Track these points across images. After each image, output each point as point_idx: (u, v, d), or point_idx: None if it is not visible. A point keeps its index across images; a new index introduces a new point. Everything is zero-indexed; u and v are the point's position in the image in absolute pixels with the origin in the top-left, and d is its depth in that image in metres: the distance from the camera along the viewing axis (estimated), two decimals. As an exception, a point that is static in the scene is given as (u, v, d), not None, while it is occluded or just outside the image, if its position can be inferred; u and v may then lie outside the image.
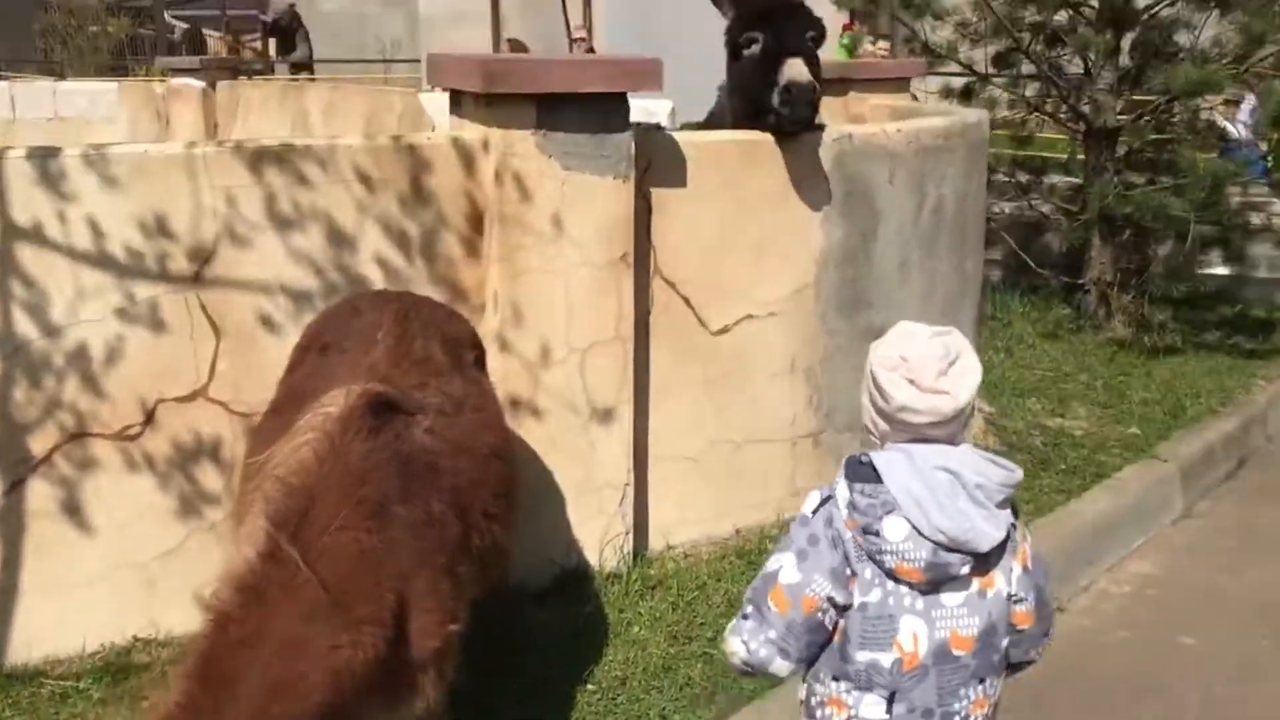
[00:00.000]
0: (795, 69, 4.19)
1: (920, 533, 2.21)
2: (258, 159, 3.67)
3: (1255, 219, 7.80)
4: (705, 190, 4.30)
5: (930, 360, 2.26)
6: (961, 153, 5.23)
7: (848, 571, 2.26)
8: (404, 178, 3.87)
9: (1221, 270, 8.62)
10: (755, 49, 4.39)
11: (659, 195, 4.23)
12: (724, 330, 4.46)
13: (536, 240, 3.95)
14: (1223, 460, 6.08)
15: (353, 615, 2.49)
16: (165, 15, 28.71)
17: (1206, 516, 5.66)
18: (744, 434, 4.60)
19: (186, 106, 9.71)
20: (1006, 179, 8.60)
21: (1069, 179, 8.95)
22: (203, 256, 3.68)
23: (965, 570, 2.26)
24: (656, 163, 4.19)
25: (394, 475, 2.70)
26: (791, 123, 4.27)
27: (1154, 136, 7.89)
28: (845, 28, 12.25)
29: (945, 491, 2.23)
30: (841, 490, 2.30)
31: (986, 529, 2.24)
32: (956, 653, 2.27)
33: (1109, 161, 7.71)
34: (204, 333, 3.74)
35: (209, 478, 3.81)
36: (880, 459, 2.29)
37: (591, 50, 12.84)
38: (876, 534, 2.23)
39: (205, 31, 28.71)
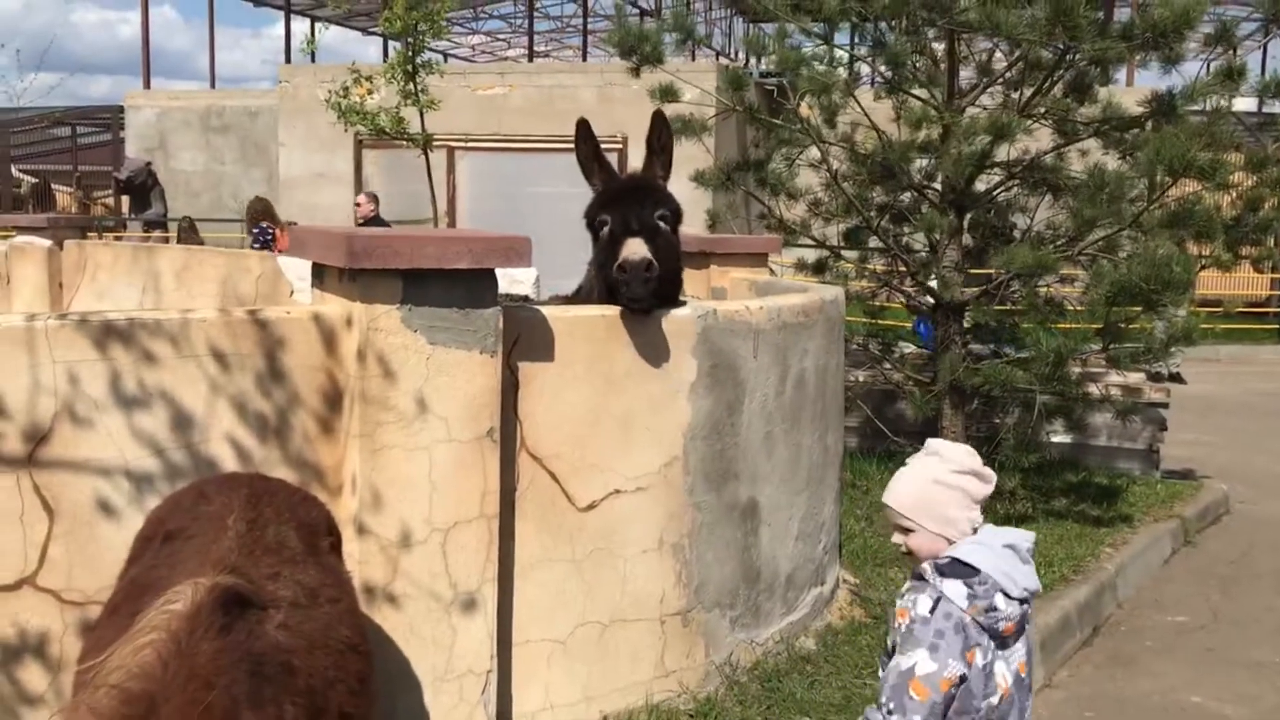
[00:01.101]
0: (629, 248, 4.26)
1: (1010, 596, 2.98)
2: (104, 334, 3.50)
3: (1094, 390, 8.18)
4: (573, 364, 4.28)
5: (973, 455, 3.18)
6: (821, 328, 5.37)
7: (968, 649, 2.96)
8: (260, 355, 3.74)
9: (1065, 438, 8.99)
10: (606, 230, 4.48)
11: (526, 369, 4.19)
12: (591, 506, 4.38)
13: (399, 417, 3.84)
14: (1078, 628, 6.20)
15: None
16: (12, 168, 28.01)
17: (1066, 686, 5.73)
18: (611, 614, 4.48)
19: (30, 265, 9.34)
20: (860, 348, 8.88)
21: (919, 349, 9.30)
22: (38, 436, 3.46)
23: None
24: (525, 337, 4.16)
25: (245, 678, 2.50)
26: (630, 300, 4.32)
27: (998, 308, 8.29)
28: None
29: (1010, 560, 3.05)
30: (951, 587, 3.00)
31: (1036, 578, 3.12)
32: (1022, 676, 3.07)
33: (956, 334, 8.03)
34: (36, 515, 3.48)
35: (33, 676, 3.50)
36: (968, 554, 3.04)
37: (375, 215, 12.86)
38: (994, 609, 2.97)
39: (55, 186, 28.09)
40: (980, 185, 8.21)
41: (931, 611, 2.99)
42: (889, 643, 3.23)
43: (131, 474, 3.58)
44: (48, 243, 9.41)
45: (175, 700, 2.39)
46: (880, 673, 3.28)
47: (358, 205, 13.12)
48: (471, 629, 4.03)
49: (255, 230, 13.49)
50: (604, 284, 4.53)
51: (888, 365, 8.86)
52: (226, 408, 3.70)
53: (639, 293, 4.27)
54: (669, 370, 4.50)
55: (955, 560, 3.04)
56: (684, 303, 4.80)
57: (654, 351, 4.45)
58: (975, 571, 3.00)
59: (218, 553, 2.88)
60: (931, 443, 3.27)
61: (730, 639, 4.88)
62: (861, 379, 9.19)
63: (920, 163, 8.26)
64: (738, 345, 4.73)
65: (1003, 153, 7.83)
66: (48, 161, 31.68)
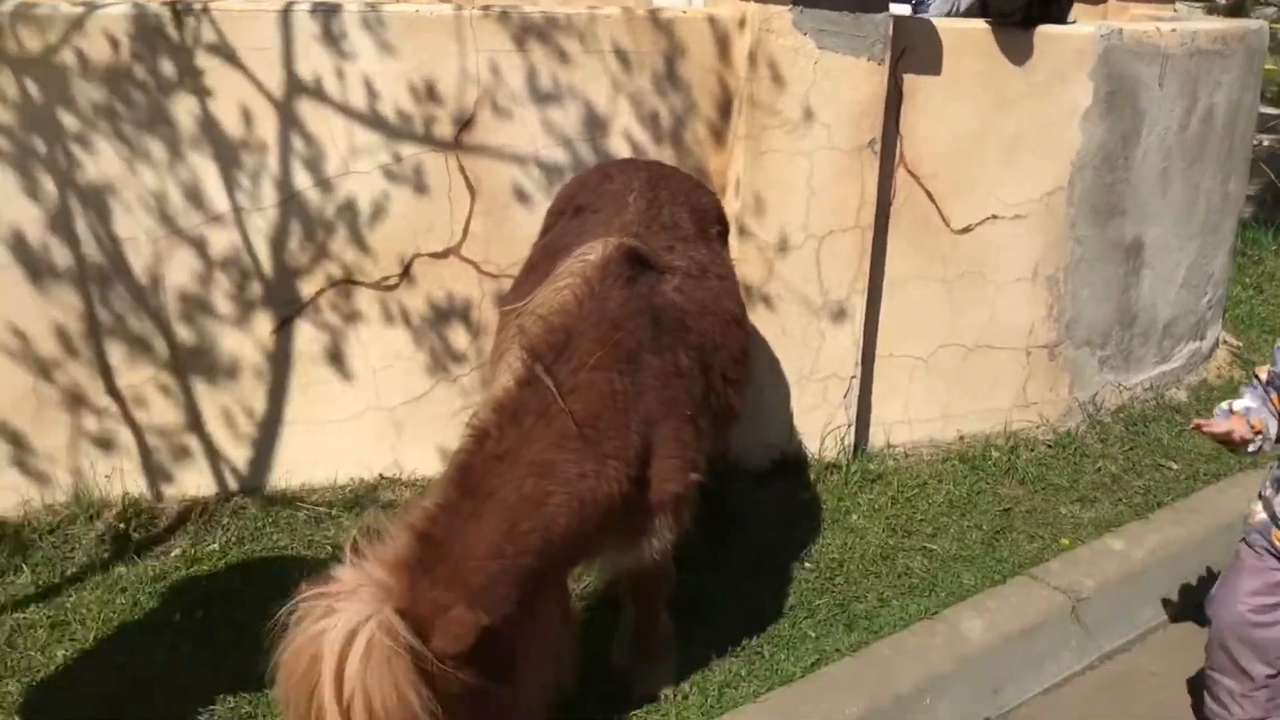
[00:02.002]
0: None
1: None
2: (522, 29, 3.76)
3: None
4: (960, 80, 4.17)
5: None
6: (1239, 60, 4.89)
7: None
8: (658, 54, 3.89)
9: None
10: None
11: (911, 82, 4.12)
12: (966, 229, 4.35)
13: (784, 122, 3.92)
14: None
15: (600, 449, 2.59)
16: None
17: None
18: (977, 339, 4.49)
19: None
20: (1271, 109, 8.00)
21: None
22: (464, 121, 3.82)
23: None
24: (912, 48, 4.08)
25: (646, 325, 2.77)
26: (997, 14, 4.11)
27: None
28: None
29: None
30: None
31: None
32: None
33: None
34: (460, 194, 3.89)
35: (457, 335, 3.99)
36: None
37: None
38: None
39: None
40: None
41: None
42: None
43: (541, 163, 3.90)
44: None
45: (588, 335, 2.69)
46: None
47: None
48: (838, 335, 4.19)
49: None
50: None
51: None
52: (626, 105, 3.92)
53: (1004, 7, 4.08)
54: (1062, 92, 4.29)
55: None
56: (1060, 21, 4.51)
57: (1046, 71, 4.24)
58: None
59: (620, 223, 3.14)
60: None
61: (1097, 379, 4.79)
62: (1265, 143, 8.32)
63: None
64: (1141, 70, 4.41)
65: None
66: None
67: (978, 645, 3.29)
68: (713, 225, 3.49)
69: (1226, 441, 2.99)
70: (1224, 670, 3.03)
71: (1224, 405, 3.06)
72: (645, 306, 2.80)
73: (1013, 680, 3.38)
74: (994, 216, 4.35)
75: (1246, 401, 3.02)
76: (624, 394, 2.66)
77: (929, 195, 4.27)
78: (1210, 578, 3.85)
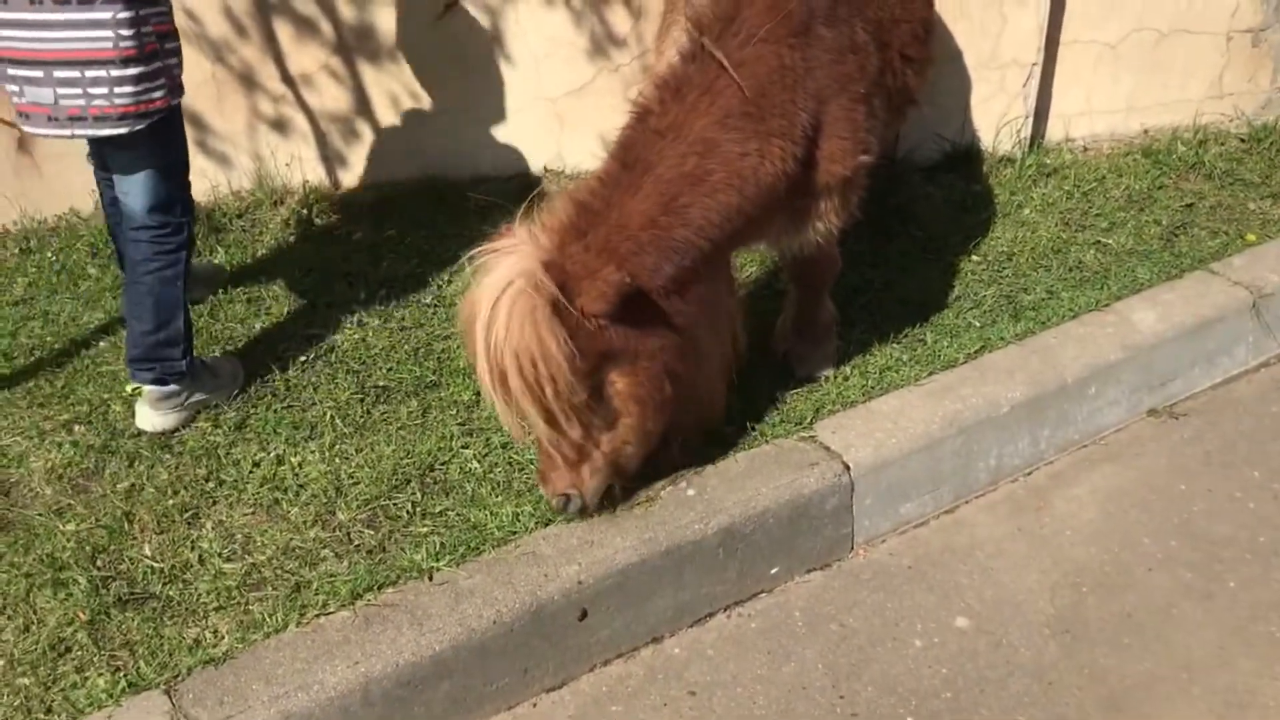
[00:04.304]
0: None
1: None
2: None
3: None
4: None
5: None
6: None
7: None
8: None
9: None
10: None
11: None
12: (1172, -104, 3.94)
13: None
14: None
15: (765, 126, 2.54)
16: None
17: None
18: (1172, 22, 4.16)
19: None
20: None
21: None
22: None
23: None
24: None
25: (822, -4, 2.64)
26: None
27: None
28: None
29: None
30: None
31: None
32: None
33: None
34: None
35: (619, 19, 3.89)
36: None
37: None
38: None
39: None
40: None
41: None
42: None
43: None
44: None
45: (757, 5, 2.59)
46: None
47: None
48: (1021, 19, 3.93)
49: None
50: None
51: None
52: None
53: None
54: None
55: None
56: None
57: None
58: None
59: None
60: None
61: (1305, 67, 4.41)
62: None
63: None
64: None
65: None
66: None
67: (1148, 336, 3.22)
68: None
69: None
70: None
71: None
72: (820, -23, 2.65)
73: (1182, 373, 3.32)
74: (1206, -120, 3.92)
75: None
76: (793, 69, 2.58)
77: None
78: None
